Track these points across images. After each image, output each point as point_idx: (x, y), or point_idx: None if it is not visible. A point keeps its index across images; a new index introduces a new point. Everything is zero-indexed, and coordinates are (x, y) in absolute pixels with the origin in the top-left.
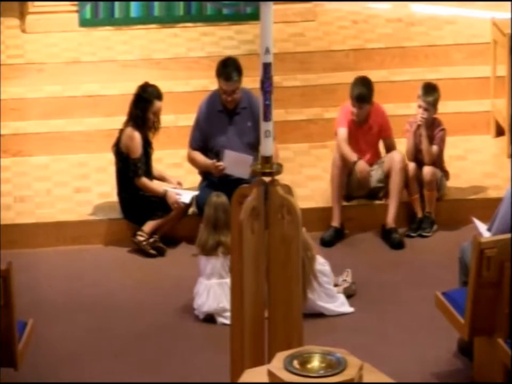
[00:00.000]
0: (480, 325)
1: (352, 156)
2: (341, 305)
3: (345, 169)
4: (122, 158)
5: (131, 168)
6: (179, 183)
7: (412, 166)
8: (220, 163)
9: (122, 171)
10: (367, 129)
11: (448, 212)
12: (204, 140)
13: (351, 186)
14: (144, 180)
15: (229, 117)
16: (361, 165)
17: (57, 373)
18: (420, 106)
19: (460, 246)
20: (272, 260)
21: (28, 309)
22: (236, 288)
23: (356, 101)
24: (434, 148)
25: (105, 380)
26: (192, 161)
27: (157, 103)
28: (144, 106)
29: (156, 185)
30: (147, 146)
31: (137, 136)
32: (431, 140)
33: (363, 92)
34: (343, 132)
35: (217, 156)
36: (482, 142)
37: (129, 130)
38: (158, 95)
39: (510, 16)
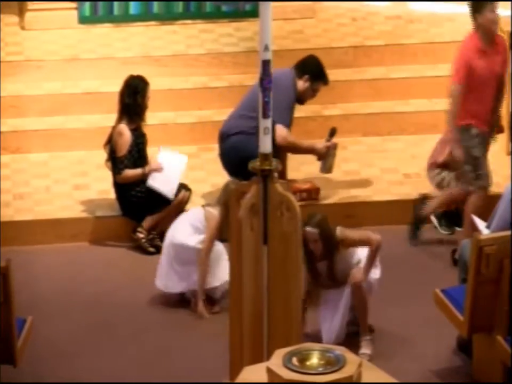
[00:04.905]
0: (479, 322)
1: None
2: None
3: None
4: (112, 156)
5: (117, 166)
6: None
7: None
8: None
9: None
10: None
11: None
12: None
13: None
14: (125, 173)
15: None
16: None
17: (56, 370)
18: None
19: (459, 243)
20: (271, 256)
21: (27, 306)
22: (235, 284)
23: None
24: None
25: (104, 377)
26: (293, 144)
27: (146, 88)
28: (136, 95)
29: (133, 171)
30: (141, 139)
31: (127, 133)
32: None
33: None
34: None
35: None
36: None
37: (120, 126)
38: (146, 82)
39: (509, 14)
